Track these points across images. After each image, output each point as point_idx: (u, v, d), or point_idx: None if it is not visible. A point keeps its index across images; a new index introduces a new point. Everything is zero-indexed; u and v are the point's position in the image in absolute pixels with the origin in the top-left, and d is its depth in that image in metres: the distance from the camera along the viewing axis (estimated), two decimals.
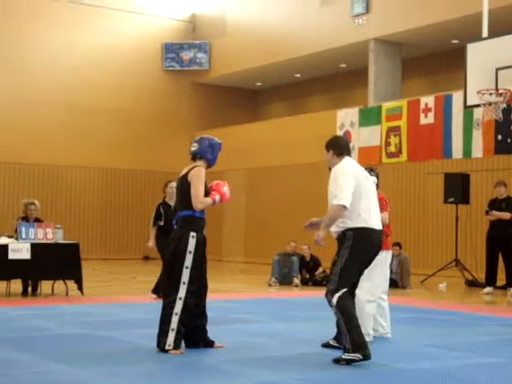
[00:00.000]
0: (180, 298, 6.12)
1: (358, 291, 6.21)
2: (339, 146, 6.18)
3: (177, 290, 6.13)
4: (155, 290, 10.76)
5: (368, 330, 6.65)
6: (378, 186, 6.98)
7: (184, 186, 6.31)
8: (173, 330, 6.08)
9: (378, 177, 7.14)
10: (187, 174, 6.34)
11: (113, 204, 22.24)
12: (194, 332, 6.34)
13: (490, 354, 6.44)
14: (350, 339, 5.67)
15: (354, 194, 5.89)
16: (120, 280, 14.54)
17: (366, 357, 5.66)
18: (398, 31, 17.77)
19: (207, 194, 6.35)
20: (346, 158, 6.12)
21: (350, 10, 18.70)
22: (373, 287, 6.74)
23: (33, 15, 21.34)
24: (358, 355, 5.65)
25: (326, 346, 6.50)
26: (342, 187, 5.87)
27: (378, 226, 6.07)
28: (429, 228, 16.76)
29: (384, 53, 18.49)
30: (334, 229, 6.03)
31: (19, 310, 9.32)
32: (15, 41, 21.05)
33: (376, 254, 6.08)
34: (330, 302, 5.83)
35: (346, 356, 5.70)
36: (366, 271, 6.16)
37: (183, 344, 6.27)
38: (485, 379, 5.32)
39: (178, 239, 6.26)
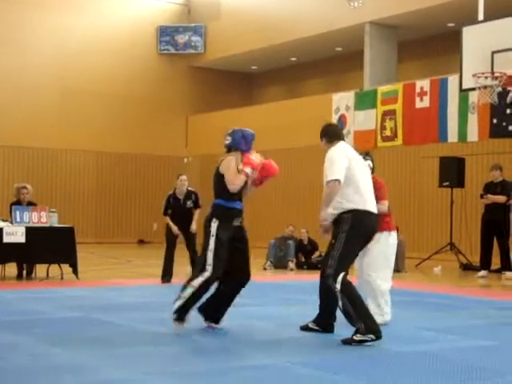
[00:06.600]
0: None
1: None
2: (330, 134, 6.40)
3: (202, 270, 6.32)
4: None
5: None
6: (373, 170, 7.02)
7: (216, 177, 6.48)
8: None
9: (372, 161, 7.17)
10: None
11: (108, 188, 22.19)
12: None
13: (485, 336, 6.47)
14: (363, 321, 5.79)
15: (348, 175, 6.02)
16: (115, 264, 14.52)
17: (378, 337, 5.80)
18: (393, 14, 17.67)
19: None
20: (340, 143, 6.32)
21: None
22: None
23: None
24: (371, 336, 5.77)
25: (305, 329, 6.46)
26: (333, 165, 6.02)
27: (373, 208, 6.16)
28: (424, 212, 16.77)
29: (379, 36, 18.41)
30: (330, 210, 6.11)
31: (14, 293, 9.32)
32: (9, 25, 20.88)
33: (371, 237, 6.24)
34: (331, 286, 5.93)
35: (358, 337, 5.79)
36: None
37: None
38: (479, 362, 5.34)
39: (204, 224, 6.45)
